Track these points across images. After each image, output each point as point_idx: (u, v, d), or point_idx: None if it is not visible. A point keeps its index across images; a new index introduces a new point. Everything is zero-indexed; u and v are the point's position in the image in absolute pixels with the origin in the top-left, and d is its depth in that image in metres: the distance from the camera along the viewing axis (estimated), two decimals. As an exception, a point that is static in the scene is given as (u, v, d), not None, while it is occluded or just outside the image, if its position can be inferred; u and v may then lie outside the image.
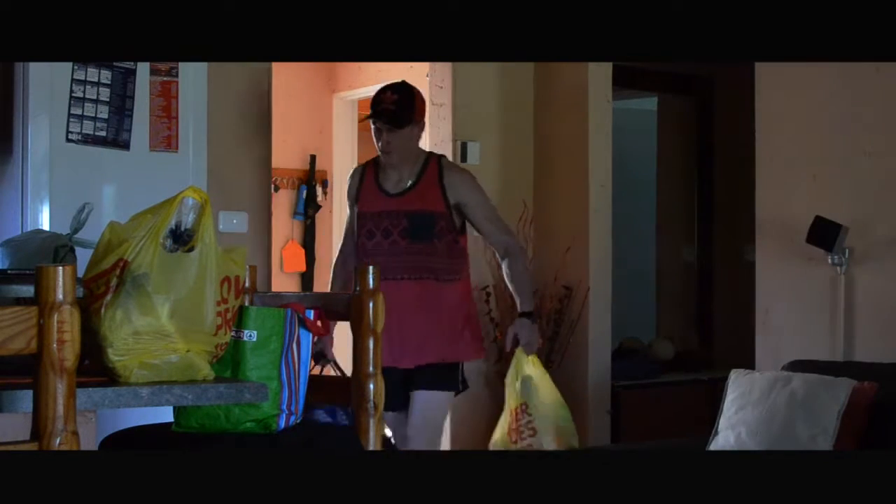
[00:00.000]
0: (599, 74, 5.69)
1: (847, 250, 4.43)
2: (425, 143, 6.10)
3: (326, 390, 2.83)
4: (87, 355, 1.93)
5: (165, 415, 2.50)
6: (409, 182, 4.23)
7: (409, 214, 4.16)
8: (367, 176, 4.33)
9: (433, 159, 4.29)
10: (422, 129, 4.27)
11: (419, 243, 4.17)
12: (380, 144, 4.18)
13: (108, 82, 4.50)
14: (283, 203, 7.18)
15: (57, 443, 1.81)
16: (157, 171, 4.52)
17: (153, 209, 2.12)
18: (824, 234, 4.38)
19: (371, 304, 2.61)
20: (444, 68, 5.79)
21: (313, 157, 7.35)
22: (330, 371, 4.28)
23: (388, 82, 4.30)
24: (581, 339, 5.67)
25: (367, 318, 2.61)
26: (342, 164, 7.43)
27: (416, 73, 6.37)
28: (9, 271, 2.37)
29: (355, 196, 4.35)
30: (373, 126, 4.20)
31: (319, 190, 7.37)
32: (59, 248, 2.35)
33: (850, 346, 4.47)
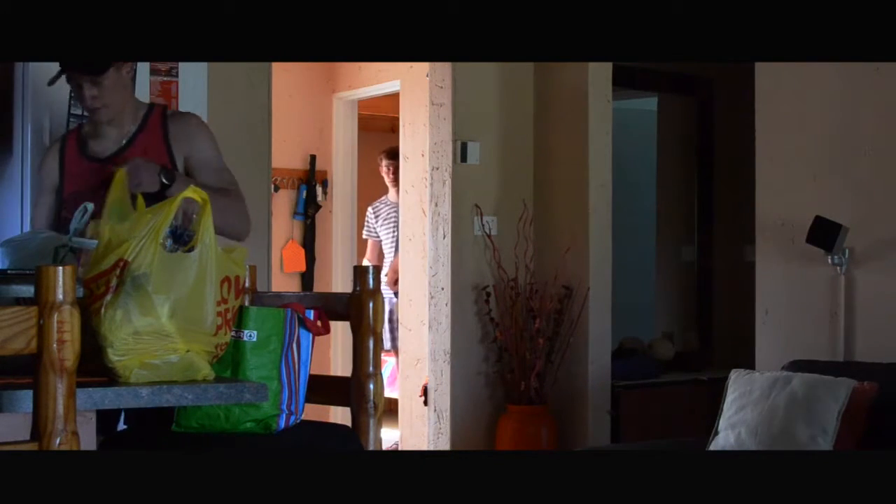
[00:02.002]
0: (599, 74, 5.69)
1: (847, 250, 4.43)
2: (425, 142, 6.13)
3: (326, 390, 2.83)
4: (87, 356, 1.93)
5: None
6: (129, 134, 3.44)
7: None
8: (67, 150, 3.49)
9: (157, 108, 3.53)
10: (130, 71, 3.47)
11: None
12: (83, 104, 3.41)
13: (108, 82, 4.50)
14: (283, 203, 7.18)
15: (57, 443, 1.81)
16: (157, 171, 4.51)
17: (153, 209, 2.13)
18: (824, 234, 4.38)
19: (371, 304, 2.61)
20: (444, 68, 5.79)
21: (313, 157, 7.35)
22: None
23: None
24: (581, 339, 5.67)
25: (366, 318, 2.61)
26: (342, 164, 7.44)
27: (416, 73, 6.38)
28: (9, 271, 2.37)
29: (57, 182, 3.46)
30: (71, 86, 3.42)
31: (319, 190, 7.38)
32: (58, 249, 2.35)
33: (850, 346, 4.47)
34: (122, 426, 2.78)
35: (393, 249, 7.09)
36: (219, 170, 3.50)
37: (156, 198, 3.11)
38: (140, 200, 2.52)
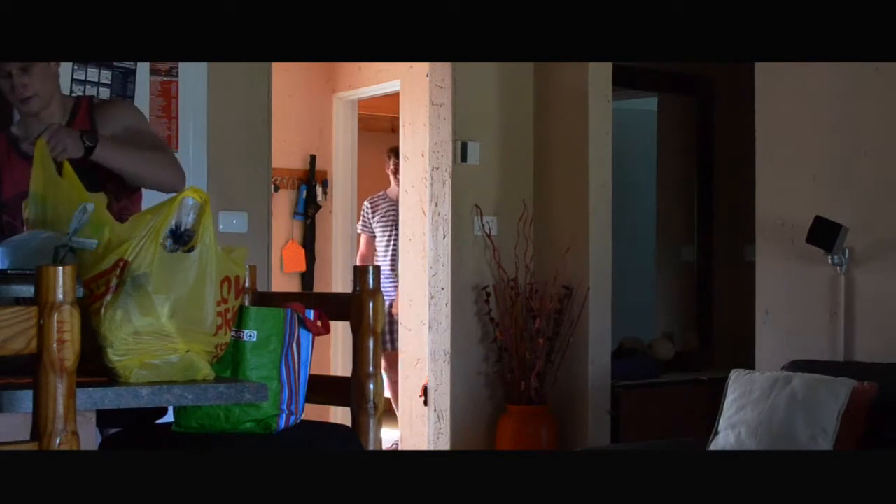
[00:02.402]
0: (599, 74, 5.69)
1: (847, 250, 4.43)
2: (425, 143, 6.13)
3: (326, 390, 2.83)
4: (87, 356, 1.93)
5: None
6: None
7: None
8: (0, 154, 3.40)
9: (84, 101, 3.47)
10: (57, 63, 3.42)
11: None
12: (13, 95, 3.31)
13: (108, 82, 4.51)
14: (283, 203, 7.18)
15: (57, 443, 1.81)
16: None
17: (153, 209, 2.13)
18: (824, 234, 4.37)
19: (371, 304, 2.61)
20: (444, 68, 5.79)
21: (313, 157, 7.35)
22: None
23: None
24: (581, 339, 5.67)
25: (367, 318, 2.61)
26: (342, 164, 7.44)
27: (416, 73, 6.39)
28: (9, 271, 2.37)
29: None
30: None
31: (319, 190, 7.37)
32: (59, 249, 2.35)
33: (850, 346, 4.47)
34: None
35: (390, 249, 7.05)
36: (141, 132, 3.41)
37: (81, 163, 3.04)
38: (67, 167, 2.51)
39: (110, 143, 3.21)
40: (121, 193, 3.32)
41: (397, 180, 7.03)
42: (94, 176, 3.16)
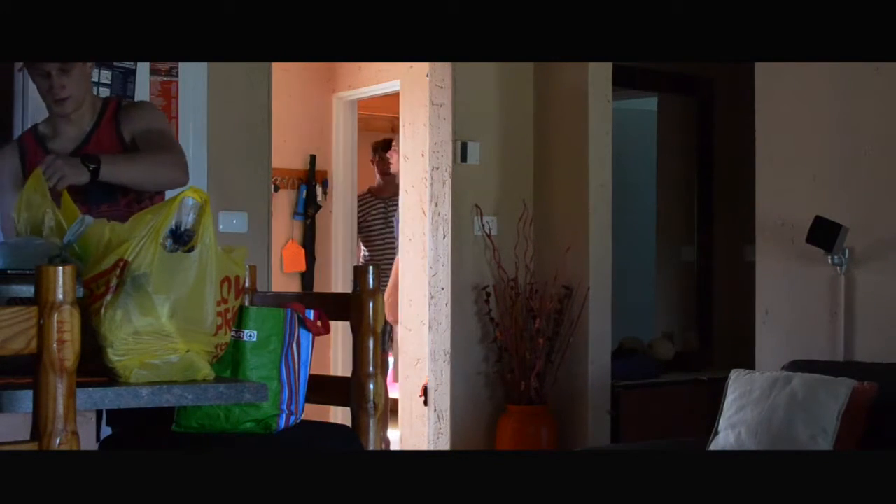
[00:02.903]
0: (599, 74, 5.69)
1: (847, 250, 4.43)
2: (425, 143, 6.13)
3: (326, 390, 2.83)
4: (87, 356, 1.93)
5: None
6: (87, 131, 3.39)
7: None
8: (28, 151, 3.41)
9: (112, 102, 3.51)
10: (92, 65, 3.50)
11: (102, 205, 3.23)
12: (50, 95, 3.32)
13: (108, 82, 4.51)
14: (283, 203, 7.18)
15: (57, 443, 1.81)
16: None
17: (153, 209, 2.13)
18: (824, 234, 4.37)
19: (371, 304, 2.61)
20: (444, 68, 5.79)
21: (313, 157, 7.35)
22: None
23: None
24: (581, 339, 5.67)
25: (367, 318, 2.61)
26: (342, 164, 7.43)
27: (416, 73, 6.38)
28: (8, 271, 2.37)
29: (23, 181, 3.06)
30: (32, 76, 3.36)
31: (319, 190, 7.37)
32: (52, 259, 2.34)
33: (850, 346, 4.47)
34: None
35: (388, 251, 7.01)
36: (153, 131, 3.40)
37: (93, 183, 3.10)
38: (65, 197, 2.51)
39: (111, 159, 3.21)
40: (142, 194, 3.35)
41: (382, 174, 6.96)
42: (112, 185, 3.20)
